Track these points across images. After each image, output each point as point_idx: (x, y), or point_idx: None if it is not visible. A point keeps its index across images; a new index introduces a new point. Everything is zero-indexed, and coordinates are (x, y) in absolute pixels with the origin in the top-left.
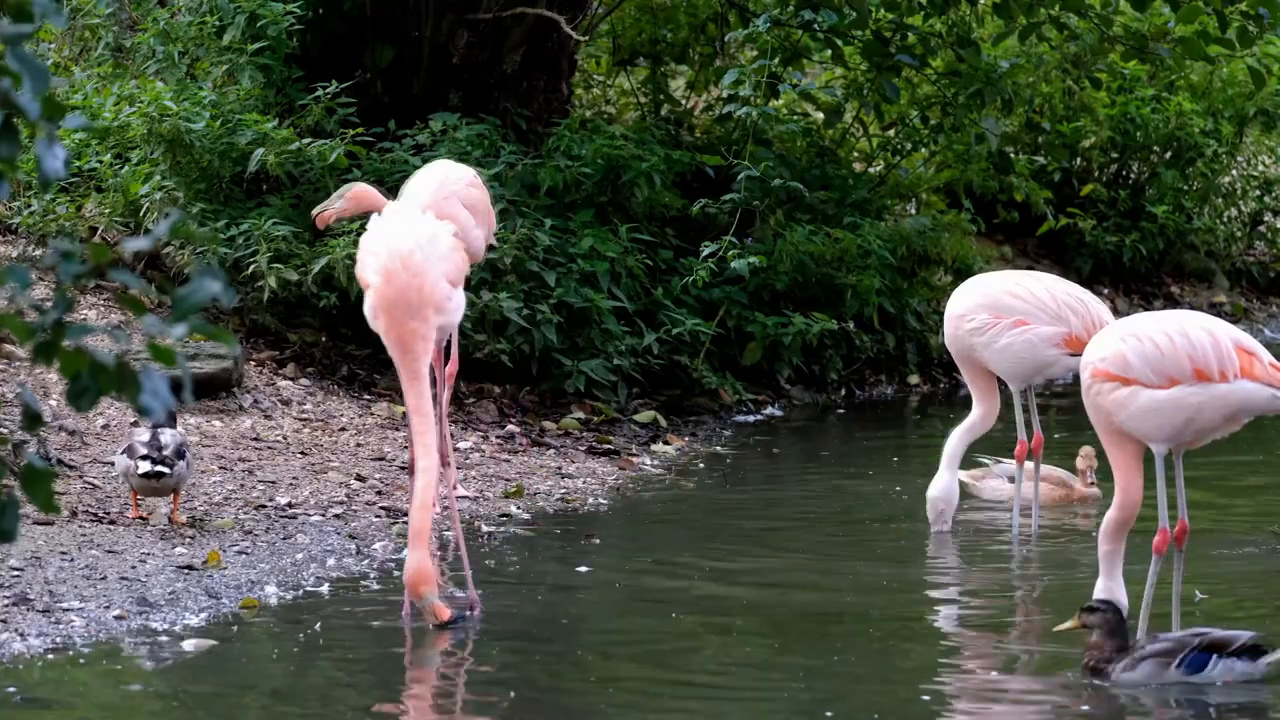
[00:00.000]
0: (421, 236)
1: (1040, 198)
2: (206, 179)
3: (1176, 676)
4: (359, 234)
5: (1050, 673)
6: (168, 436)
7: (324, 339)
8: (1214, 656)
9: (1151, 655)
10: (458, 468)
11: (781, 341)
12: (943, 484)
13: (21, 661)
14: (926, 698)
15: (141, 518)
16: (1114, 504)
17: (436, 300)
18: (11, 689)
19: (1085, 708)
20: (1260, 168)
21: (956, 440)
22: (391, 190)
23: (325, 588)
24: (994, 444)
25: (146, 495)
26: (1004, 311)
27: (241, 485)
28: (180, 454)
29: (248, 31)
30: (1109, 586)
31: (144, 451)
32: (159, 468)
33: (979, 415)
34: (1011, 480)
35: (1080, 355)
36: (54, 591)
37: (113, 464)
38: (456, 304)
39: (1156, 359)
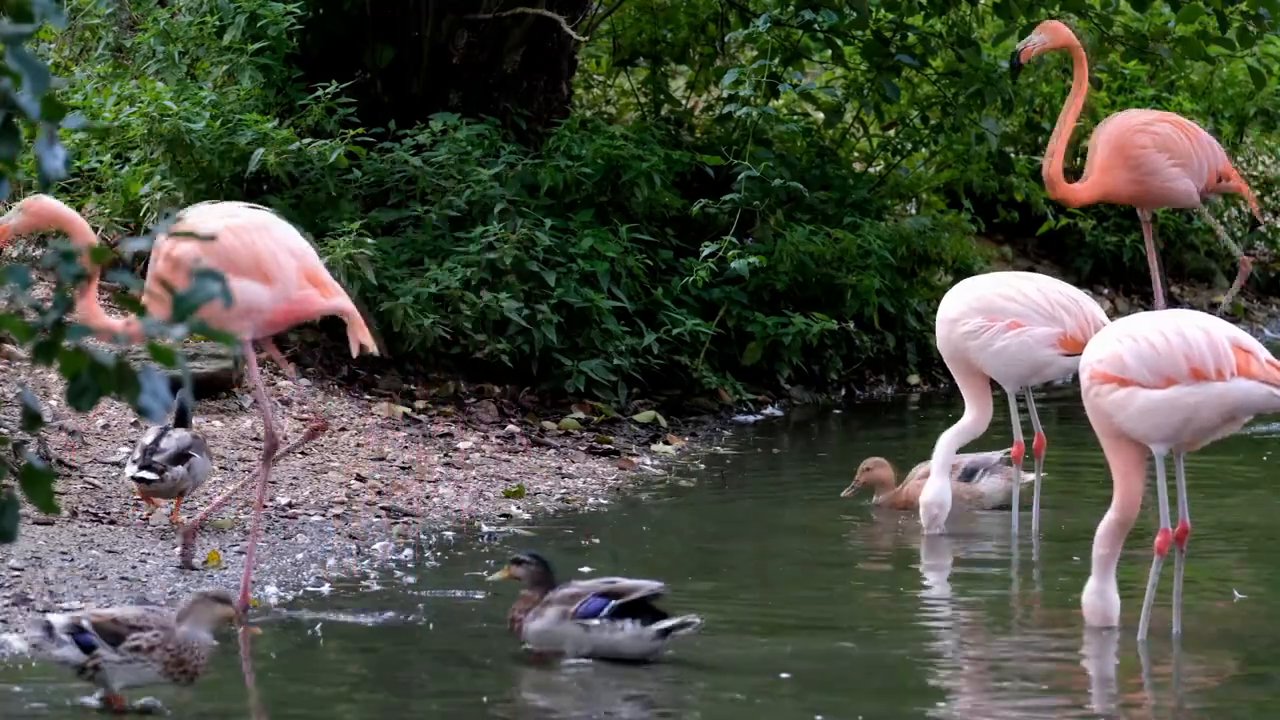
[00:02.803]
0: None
1: (1040, 198)
2: (206, 179)
3: (576, 625)
4: (359, 234)
5: (1051, 679)
6: (170, 440)
7: (324, 339)
8: (608, 603)
9: (557, 600)
10: (458, 468)
11: (781, 341)
12: (935, 489)
13: (21, 661)
14: (938, 707)
15: (142, 518)
16: (1114, 506)
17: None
18: (17, 689)
19: None
20: (1260, 168)
21: (947, 444)
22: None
23: (325, 588)
24: (995, 445)
25: (150, 496)
26: (998, 314)
27: (242, 485)
28: (180, 458)
29: (248, 31)
30: (1101, 589)
31: (137, 455)
32: (143, 473)
33: (972, 419)
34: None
35: (1075, 355)
36: (54, 591)
37: (116, 464)
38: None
39: (1153, 359)
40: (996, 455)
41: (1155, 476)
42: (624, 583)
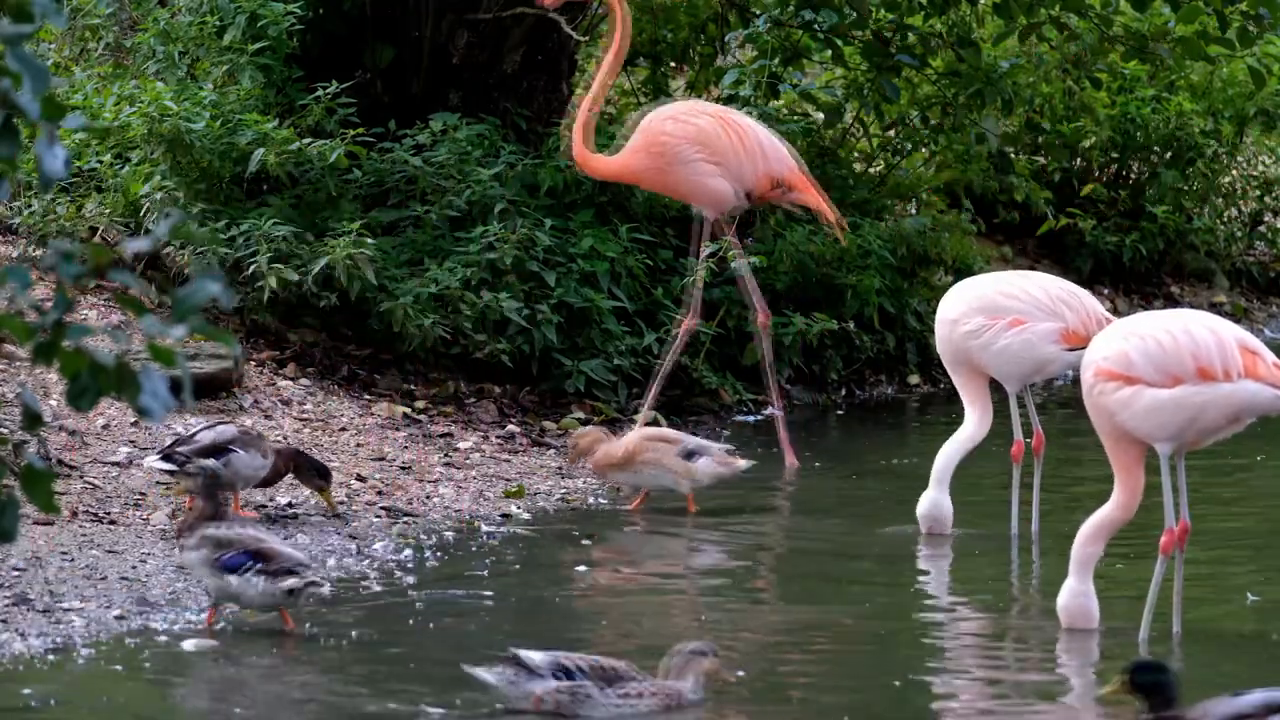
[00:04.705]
0: None
1: (1040, 198)
2: (206, 179)
3: (218, 572)
4: (359, 234)
5: (1048, 679)
6: (208, 434)
7: (324, 339)
8: (253, 564)
9: (210, 542)
10: (458, 468)
11: (781, 341)
12: (930, 501)
13: (22, 661)
14: (933, 707)
15: (143, 518)
16: (1114, 504)
17: None
18: (26, 691)
19: None
20: (1260, 168)
21: (948, 456)
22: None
23: (325, 588)
24: (997, 445)
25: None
26: (999, 312)
27: None
28: (211, 452)
29: (248, 31)
30: (1083, 589)
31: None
32: (163, 464)
33: (975, 425)
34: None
35: (1078, 350)
36: (54, 591)
37: (116, 464)
38: None
39: (1160, 357)
40: (718, 447)
41: (1160, 477)
42: (273, 546)
